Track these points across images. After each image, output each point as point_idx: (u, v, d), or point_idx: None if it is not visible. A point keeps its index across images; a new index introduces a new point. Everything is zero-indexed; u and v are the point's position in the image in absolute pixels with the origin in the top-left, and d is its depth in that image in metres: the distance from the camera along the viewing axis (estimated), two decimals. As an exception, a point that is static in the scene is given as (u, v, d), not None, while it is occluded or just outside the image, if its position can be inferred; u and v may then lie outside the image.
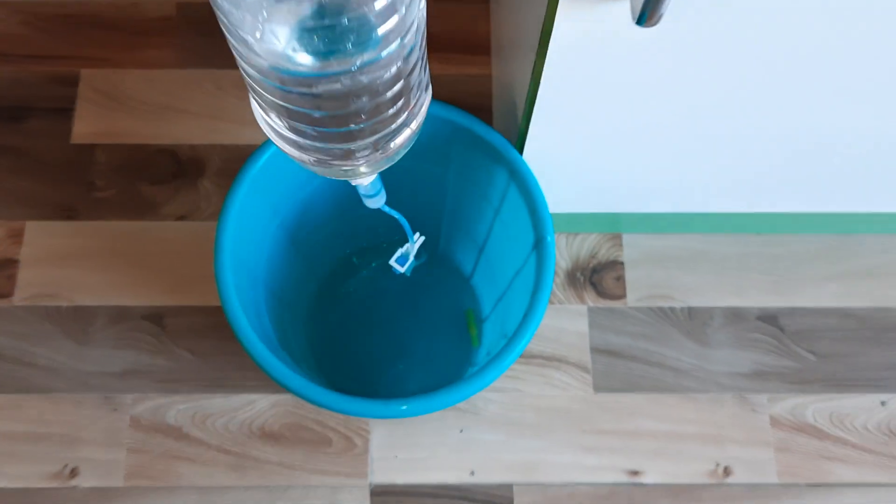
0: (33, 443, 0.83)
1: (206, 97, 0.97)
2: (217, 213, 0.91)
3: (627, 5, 0.44)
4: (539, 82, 0.57)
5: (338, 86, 0.34)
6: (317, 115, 0.36)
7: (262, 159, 0.66)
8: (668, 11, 0.42)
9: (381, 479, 0.83)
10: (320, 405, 0.59)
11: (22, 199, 0.93)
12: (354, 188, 0.53)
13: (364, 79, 0.34)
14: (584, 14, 0.48)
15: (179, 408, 0.84)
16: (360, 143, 0.40)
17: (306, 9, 0.31)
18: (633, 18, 0.42)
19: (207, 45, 1.00)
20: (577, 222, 0.89)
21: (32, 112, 0.96)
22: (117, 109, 0.97)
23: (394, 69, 0.36)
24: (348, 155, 0.41)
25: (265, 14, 0.31)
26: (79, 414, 0.84)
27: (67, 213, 0.92)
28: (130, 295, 0.89)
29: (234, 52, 0.35)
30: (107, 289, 0.89)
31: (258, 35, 0.33)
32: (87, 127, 0.96)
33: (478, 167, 0.70)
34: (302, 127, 0.38)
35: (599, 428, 0.85)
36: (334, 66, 0.33)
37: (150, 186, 0.93)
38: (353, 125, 0.38)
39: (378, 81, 0.35)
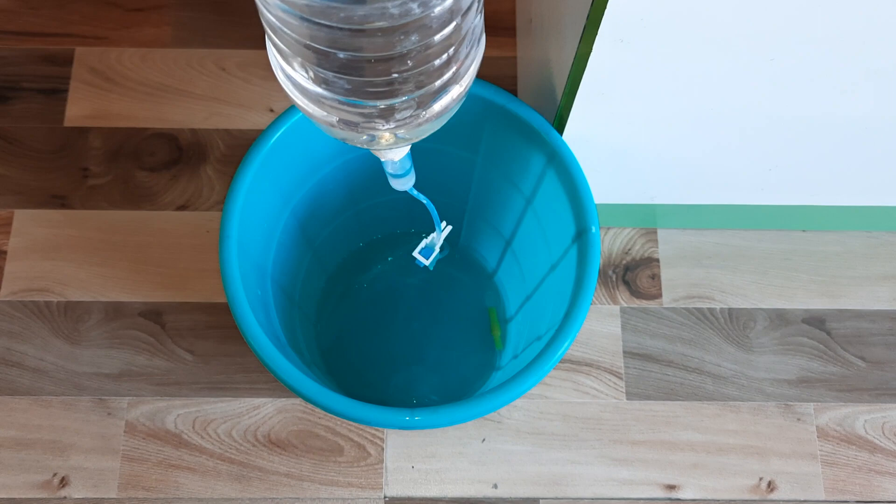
0: (20, 449, 0.81)
1: (208, 78, 0.95)
2: (220, 203, 0.89)
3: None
4: (589, 55, 0.53)
5: (384, 21, 0.28)
6: (348, 56, 0.30)
7: (273, 138, 0.63)
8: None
9: (396, 491, 0.79)
10: (340, 415, 0.54)
11: (10, 186, 0.90)
12: (381, 167, 0.47)
13: (415, 7, 0.28)
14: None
15: (179, 412, 0.82)
16: (401, 100, 0.33)
17: None
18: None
19: (210, 23, 0.97)
20: (609, 215, 0.86)
21: (21, 93, 0.94)
22: (113, 91, 0.94)
23: (449, 1, 0.29)
24: (385, 114, 0.34)
25: None
26: (70, 418, 0.81)
27: (59, 201, 0.90)
28: (126, 290, 0.86)
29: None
30: (101, 283, 0.86)
31: None
32: (80, 109, 0.93)
33: (510, 151, 0.66)
34: (331, 77, 0.32)
35: (633, 438, 0.82)
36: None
37: (148, 173, 0.91)
38: (395, 74, 0.31)
39: (431, 15, 0.29)
